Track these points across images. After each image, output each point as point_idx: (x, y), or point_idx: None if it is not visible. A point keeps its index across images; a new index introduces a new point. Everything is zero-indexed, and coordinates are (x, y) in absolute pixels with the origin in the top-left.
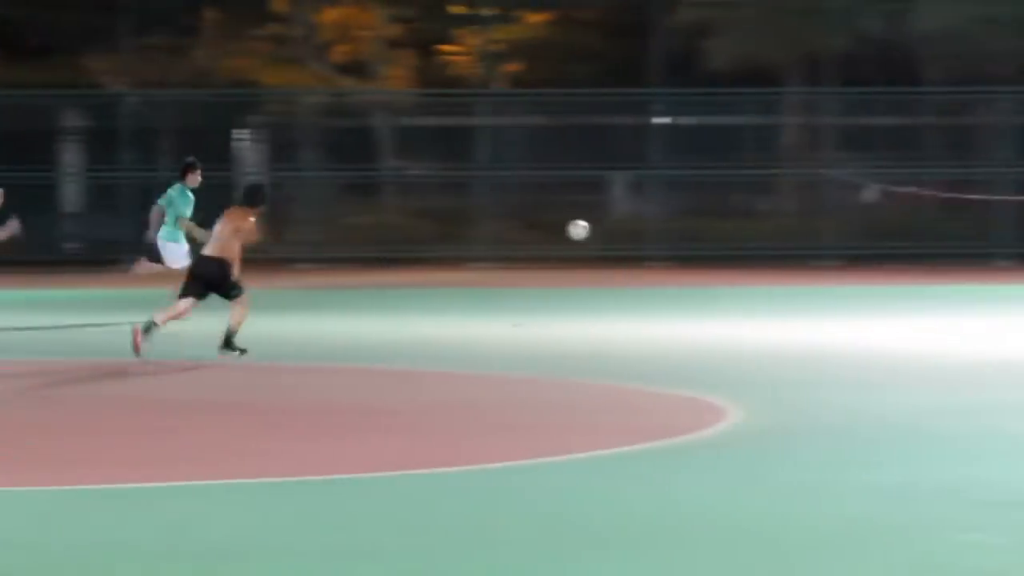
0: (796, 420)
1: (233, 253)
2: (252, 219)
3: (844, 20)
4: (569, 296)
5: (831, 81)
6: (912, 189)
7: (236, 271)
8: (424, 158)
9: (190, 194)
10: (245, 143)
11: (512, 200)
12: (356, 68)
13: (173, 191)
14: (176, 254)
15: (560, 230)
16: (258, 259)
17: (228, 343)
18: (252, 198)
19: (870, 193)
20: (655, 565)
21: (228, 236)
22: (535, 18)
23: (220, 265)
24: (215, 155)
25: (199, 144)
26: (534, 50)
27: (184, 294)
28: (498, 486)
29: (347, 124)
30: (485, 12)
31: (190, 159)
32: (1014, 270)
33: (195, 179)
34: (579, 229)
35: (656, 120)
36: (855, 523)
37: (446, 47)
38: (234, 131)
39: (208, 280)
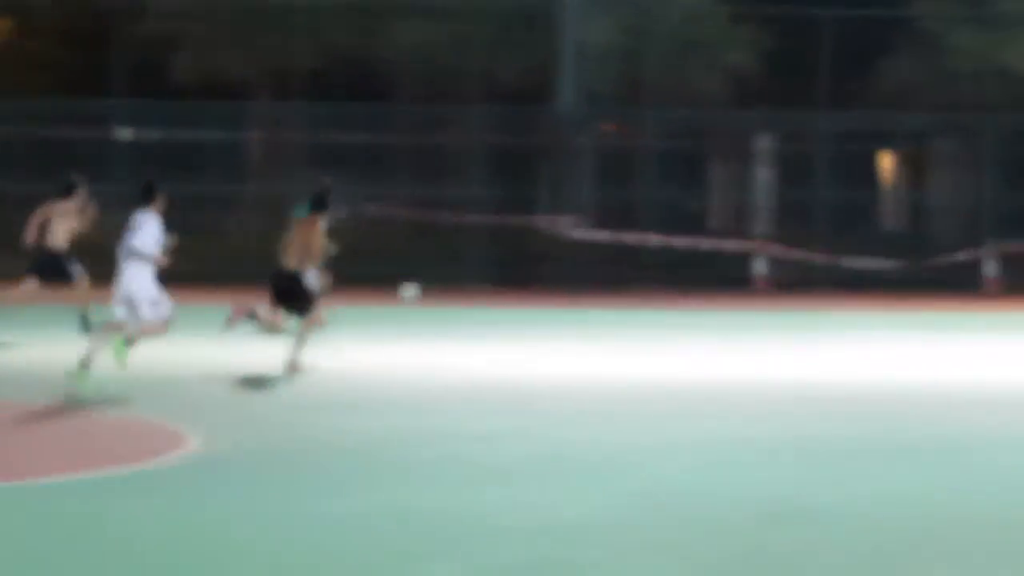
0: (258, 447)
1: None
2: (321, 225)
3: (313, 36)
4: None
5: (302, 96)
6: (382, 208)
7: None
8: None
9: None
10: None
11: None
12: None
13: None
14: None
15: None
16: None
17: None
18: (319, 204)
19: (338, 211)
20: None
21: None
22: None
23: (292, 278)
24: None
25: None
26: None
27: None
28: None
29: None
30: None
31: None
32: (486, 293)
33: None
34: (410, 292)
35: (118, 133)
36: (309, 553)
37: None
38: None
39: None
